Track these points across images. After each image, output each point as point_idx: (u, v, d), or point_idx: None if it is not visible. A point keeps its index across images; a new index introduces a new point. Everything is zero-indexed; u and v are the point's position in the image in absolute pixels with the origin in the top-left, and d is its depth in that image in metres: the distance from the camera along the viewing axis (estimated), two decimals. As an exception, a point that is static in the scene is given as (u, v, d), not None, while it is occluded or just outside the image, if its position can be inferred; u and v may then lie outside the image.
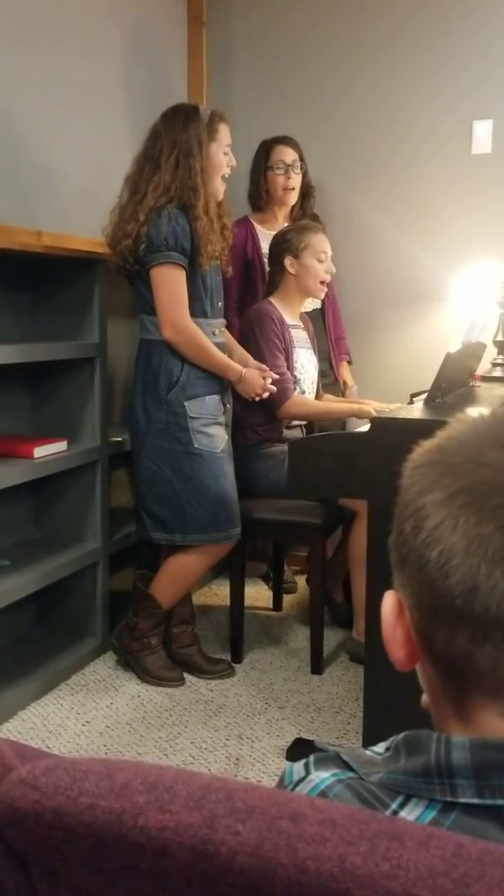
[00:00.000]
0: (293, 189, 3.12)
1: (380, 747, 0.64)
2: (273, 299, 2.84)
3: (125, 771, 0.53)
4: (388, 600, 0.63)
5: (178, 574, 2.57)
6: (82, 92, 2.89)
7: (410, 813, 0.55)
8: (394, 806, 0.56)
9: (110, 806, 0.51)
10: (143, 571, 2.65)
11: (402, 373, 3.33)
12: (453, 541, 0.56)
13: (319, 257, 2.78)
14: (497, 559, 0.54)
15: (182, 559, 2.56)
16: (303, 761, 0.64)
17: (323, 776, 0.61)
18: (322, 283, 2.81)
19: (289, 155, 3.10)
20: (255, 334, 2.74)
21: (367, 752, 0.64)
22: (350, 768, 0.61)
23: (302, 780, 0.62)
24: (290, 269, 2.79)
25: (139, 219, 2.37)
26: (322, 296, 2.92)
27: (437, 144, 3.30)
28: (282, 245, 2.81)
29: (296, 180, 3.11)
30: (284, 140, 3.12)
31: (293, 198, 3.15)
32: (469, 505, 0.56)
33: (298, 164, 3.10)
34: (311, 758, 0.64)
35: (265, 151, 3.11)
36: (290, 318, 2.85)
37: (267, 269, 3.04)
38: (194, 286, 2.44)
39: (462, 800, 0.54)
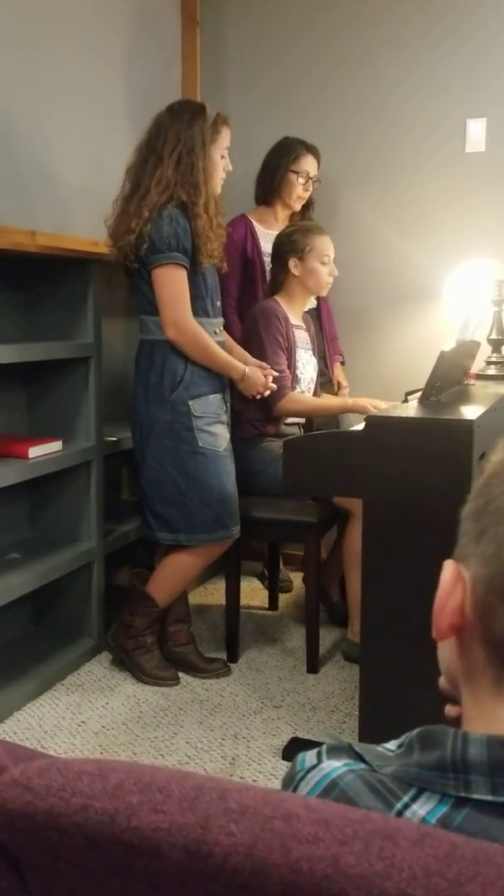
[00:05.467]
0: (304, 200, 3.15)
1: (392, 744, 0.64)
2: (279, 298, 2.85)
3: (118, 771, 0.53)
4: (448, 569, 0.62)
5: (175, 573, 2.57)
6: (77, 91, 2.88)
7: (422, 806, 0.55)
8: (405, 798, 0.56)
9: (103, 806, 0.51)
10: (140, 570, 2.65)
11: (397, 371, 3.34)
12: None
13: (323, 260, 2.80)
14: None
15: (180, 558, 2.55)
16: (315, 750, 0.64)
17: (335, 765, 0.60)
18: (325, 284, 2.84)
19: (314, 167, 3.12)
20: (260, 331, 2.75)
21: (379, 748, 0.64)
22: (362, 760, 0.61)
23: (313, 767, 0.62)
24: (294, 271, 2.81)
25: (143, 215, 2.36)
26: (325, 293, 2.94)
27: (431, 143, 3.30)
28: (286, 246, 2.82)
29: (310, 192, 3.15)
30: (313, 150, 3.13)
31: (300, 206, 3.18)
32: None
33: (317, 178, 3.13)
34: (324, 747, 0.63)
35: (293, 154, 3.09)
36: (294, 318, 2.87)
37: (267, 267, 3.04)
38: (195, 286, 2.44)
39: (475, 796, 0.54)
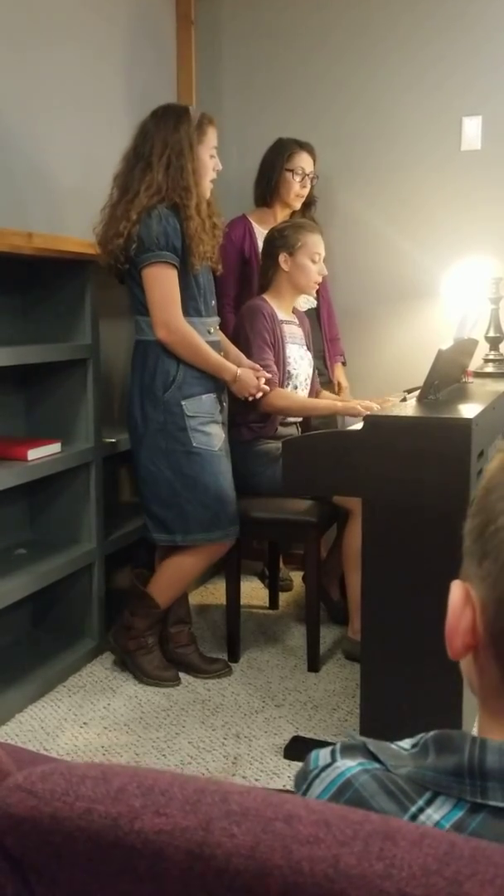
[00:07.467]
0: (303, 197, 3.15)
1: (405, 743, 0.64)
2: (266, 295, 2.86)
3: (121, 775, 0.54)
4: (456, 590, 0.62)
5: (176, 574, 2.57)
6: (72, 91, 2.88)
7: (437, 811, 0.55)
8: (420, 802, 0.56)
9: (107, 810, 0.52)
10: (140, 570, 2.66)
11: (395, 369, 3.34)
12: None
13: (313, 258, 2.80)
14: None
15: (181, 559, 2.56)
16: (329, 748, 0.64)
17: (349, 764, 0.61)
18: (314, 282, 2.83)
19: (309, 164, 3.13)
20: (246, 329, 2.75)
21: (393, 746, 0.64)
22: (376, 759, 0.61)
23: (328, 766, 0.62)
24: (284, 266, 2.81)
25: (131, 218, 2.37)
26: (313, 293, 2.94)
27: (427, 141, 3.30)
28: (278, 241, 2.83)
29: (308, 189, 3.15)
30: (307, 147, 3.13)
31: (299, 204, 3.17)
32: None
33: (314, 174, 3.14)
34: (338, 745, 0.63)
35: (287, 152, 3.10)
36: (283, 313, 2.86)
37: None
38: (187, 286, 2.45)
39: (492, 802, 0.54)
